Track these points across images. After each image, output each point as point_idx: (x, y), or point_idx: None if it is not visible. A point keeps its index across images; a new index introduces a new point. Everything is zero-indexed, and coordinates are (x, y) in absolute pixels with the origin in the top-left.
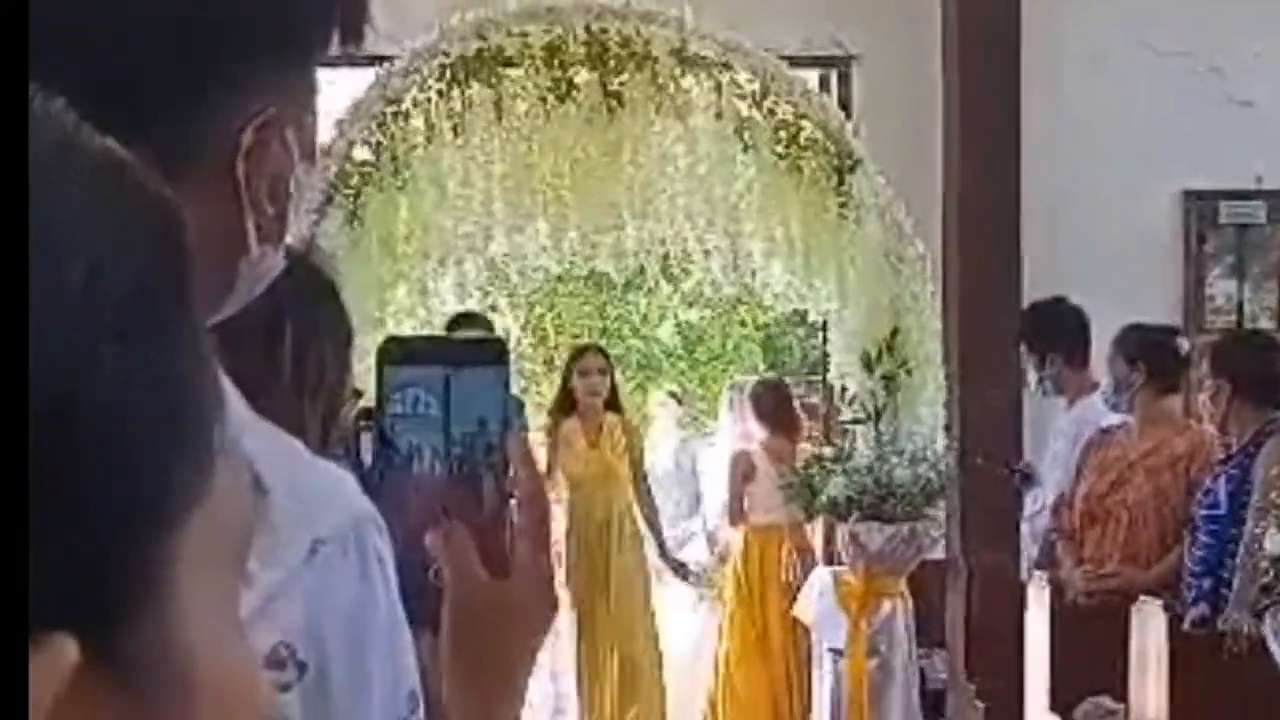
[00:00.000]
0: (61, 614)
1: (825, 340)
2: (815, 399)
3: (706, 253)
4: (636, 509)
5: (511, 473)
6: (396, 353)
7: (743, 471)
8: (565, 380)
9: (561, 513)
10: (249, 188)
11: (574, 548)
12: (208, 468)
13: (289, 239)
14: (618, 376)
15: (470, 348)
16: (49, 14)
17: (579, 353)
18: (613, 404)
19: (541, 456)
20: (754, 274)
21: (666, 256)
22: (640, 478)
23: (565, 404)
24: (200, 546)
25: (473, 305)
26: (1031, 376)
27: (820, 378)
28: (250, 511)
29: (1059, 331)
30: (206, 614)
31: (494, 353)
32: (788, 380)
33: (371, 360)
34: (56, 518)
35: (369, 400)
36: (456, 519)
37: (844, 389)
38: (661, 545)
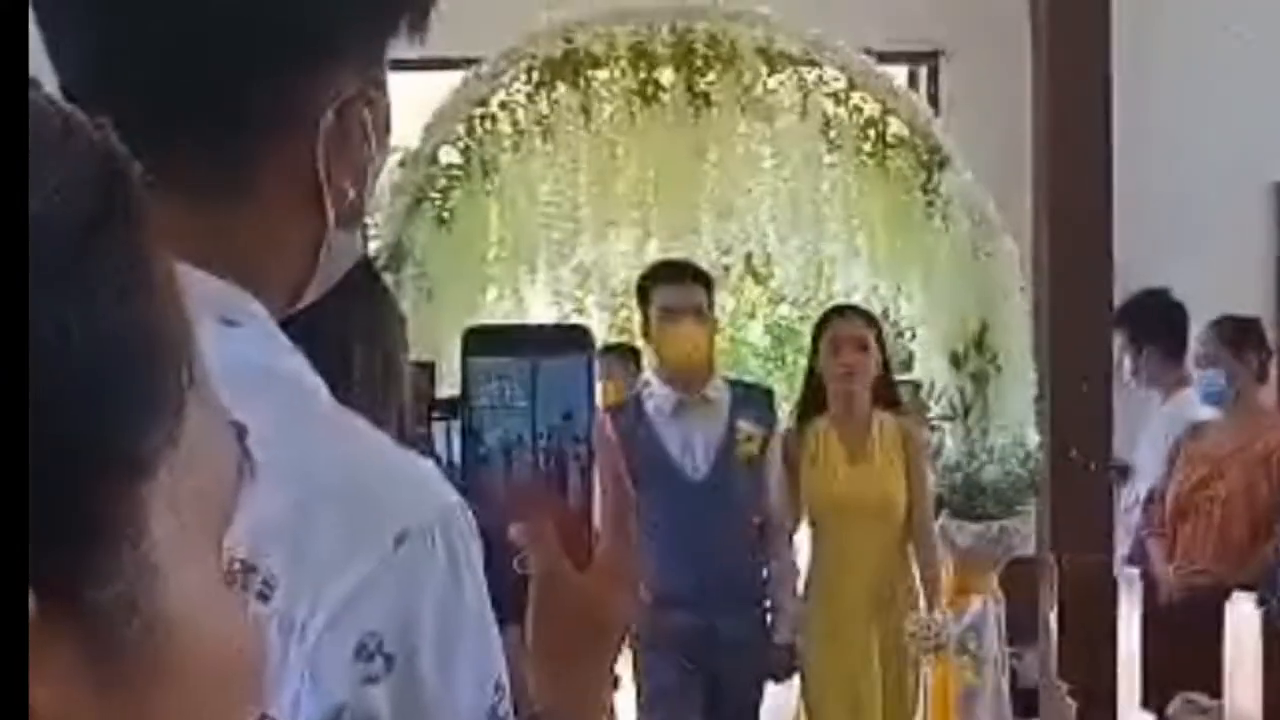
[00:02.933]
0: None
1: (913, 337)
2: (904, 397)
3: (788, 254)
4: (913, 556)
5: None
6: (480, 344)
7: None
8: (811, 364)
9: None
10: (329, 171)
11: (819, 610)
12: (169, 412)
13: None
14: None
15: (556, 336)
16: None
17: (827, 317)
18: (886, 395)
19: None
20: (835, 275)
21: (750, 258)
22: (923, 508)
23: (812, 398)
24: (172, 497)
25: (567, 309)
26: (1127, 367)
27: (909, 375)
28: (232, 467)
29: (1158, 324)
30: (182, 567)
31: (579, 341)
32: None
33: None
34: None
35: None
36: (542, 511)
37: (932, 386)
38: (931, 606)
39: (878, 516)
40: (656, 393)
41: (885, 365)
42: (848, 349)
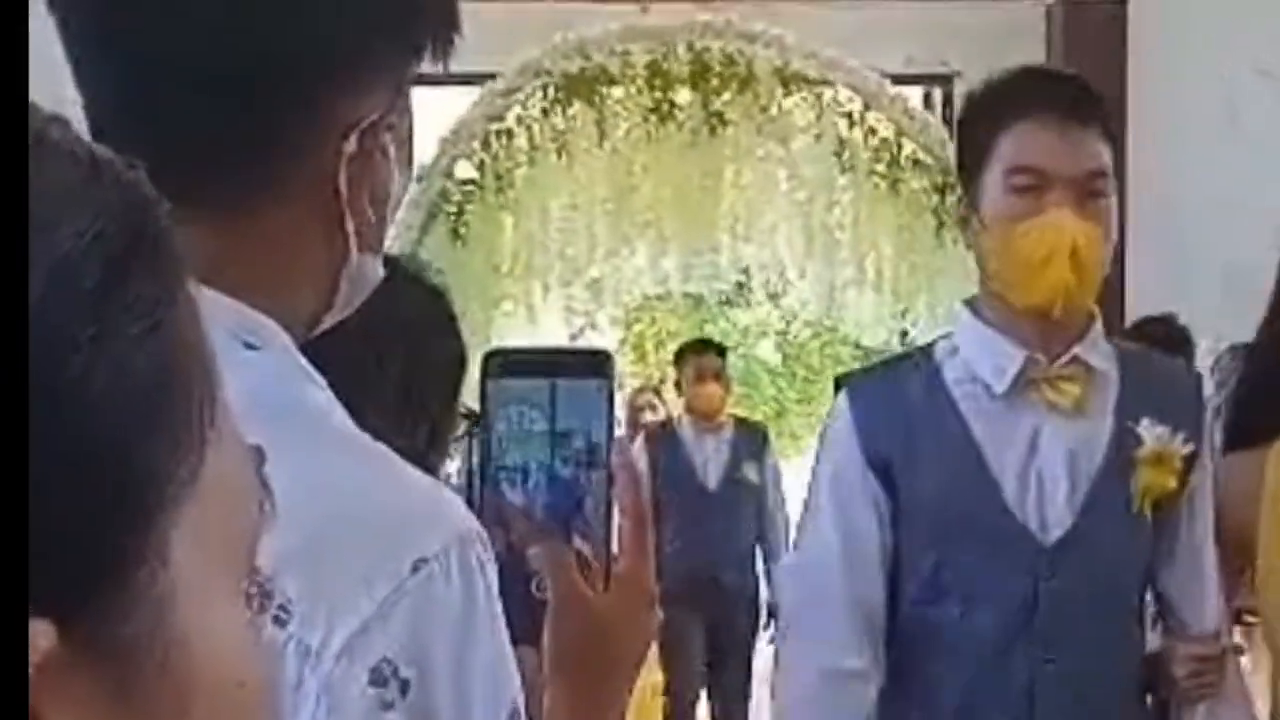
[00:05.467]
0: (40, 599)
1: None
2: None
3: (802, 274)
4: None
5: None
6: (499, 366)
7: None
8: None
9: None
10: (351, 195)
11: None
12: (194, 448)
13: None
14: None
15: (575, 360)
16: (170, 10)
17: None
18: None
19: None
20: (847, 295)
21: (766, 280)
22: None
23: (1268, 399)
24: (195, 531)
25: (579, 324)
26: None
27: None
28: (254, 499)
29: (1164, 349)
30: (202, 601)
31: (599, 366)
32: None
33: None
34: (34, 501)
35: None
36: (560, 534)
37: None
38: None
39: None
40: (973, 348)
41: None
42: None
